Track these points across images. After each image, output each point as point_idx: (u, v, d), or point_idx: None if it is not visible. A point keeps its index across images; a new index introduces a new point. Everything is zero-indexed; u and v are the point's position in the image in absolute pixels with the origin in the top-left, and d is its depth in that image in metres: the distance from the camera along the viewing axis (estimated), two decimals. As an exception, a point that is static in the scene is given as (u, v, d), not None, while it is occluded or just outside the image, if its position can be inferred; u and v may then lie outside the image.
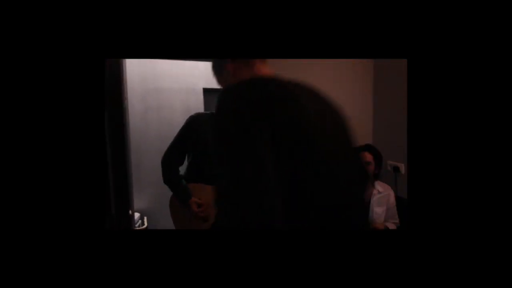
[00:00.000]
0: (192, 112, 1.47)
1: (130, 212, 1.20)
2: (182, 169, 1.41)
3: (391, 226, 1.69)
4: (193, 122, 1.36)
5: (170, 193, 1.41)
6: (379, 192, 1.69)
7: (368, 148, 1.72)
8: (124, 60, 1.73)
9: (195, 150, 1.33)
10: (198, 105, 3.00)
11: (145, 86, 2.93)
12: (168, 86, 2.99)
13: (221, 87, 0.85)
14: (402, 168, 1.98)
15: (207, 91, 3.10)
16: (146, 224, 2.73)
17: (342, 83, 2.24)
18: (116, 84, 1.18)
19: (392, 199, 1.71)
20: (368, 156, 1.68)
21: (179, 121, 1.58)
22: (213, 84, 1.85)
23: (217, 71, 0.85)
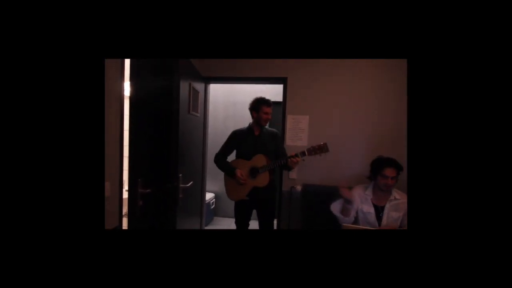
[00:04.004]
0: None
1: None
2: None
3: None
4: (233, 134, 2.28)
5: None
6: (395, 199, 1.81)
7: (392, 164, 1.80)
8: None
9: (235, 146, 2.27)
10: (263, 115, 3.80)
11: (226, 99, 3.90)
12: (242, 100, 3.86)
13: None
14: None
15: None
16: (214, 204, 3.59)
17: (375, 81, 2.38)
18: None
19: None
20: (393, 172, 1.77)
21: (248, 127, 2.40)
22: (276, 98, 2.54)
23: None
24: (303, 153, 1.96)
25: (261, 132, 2.20)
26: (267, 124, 2.22)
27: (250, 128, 2.24)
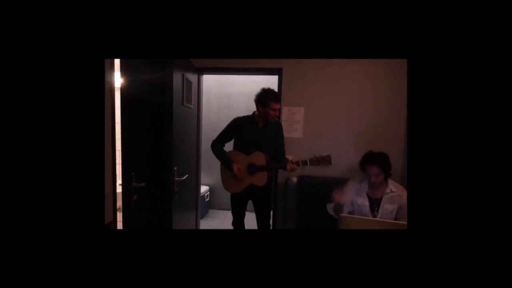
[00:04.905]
0: (250, 111, 2.20)
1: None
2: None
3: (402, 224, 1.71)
4: (235, 122, 2.16)
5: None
6: (391, 191, 1.77)
7: (374, 161, 1.73)
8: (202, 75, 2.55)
9: (236, 136, 2.16)
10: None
11: (219, 90, 3.84)
12: (236, 91, 3.81)
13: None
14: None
15: (266, 96, 3.84)
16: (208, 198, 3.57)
17: (374, 81, 2.36)
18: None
19: (404, 199, 1.74)
20: (375, 169, 1.72)
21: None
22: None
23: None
24: (304, 163, 1.90)
25: (266, 125, 2.10)
26: None
27: (253, 119, 2.12)
